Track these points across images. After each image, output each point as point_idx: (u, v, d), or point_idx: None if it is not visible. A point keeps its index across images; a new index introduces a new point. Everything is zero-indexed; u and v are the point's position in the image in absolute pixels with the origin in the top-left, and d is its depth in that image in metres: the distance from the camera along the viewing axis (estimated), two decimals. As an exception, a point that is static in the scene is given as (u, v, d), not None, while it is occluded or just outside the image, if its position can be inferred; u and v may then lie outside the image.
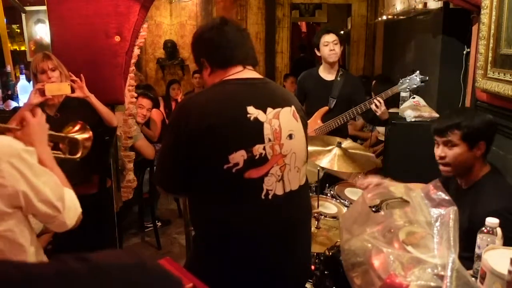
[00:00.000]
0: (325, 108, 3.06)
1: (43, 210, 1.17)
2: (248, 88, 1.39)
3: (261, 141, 1.31)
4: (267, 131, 1.33)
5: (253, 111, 1.32)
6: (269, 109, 1.35)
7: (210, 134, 1.28)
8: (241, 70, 1.41)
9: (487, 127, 1.68)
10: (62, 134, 1.66)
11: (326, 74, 3.12)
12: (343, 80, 3.07)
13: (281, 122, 1.36)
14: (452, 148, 1.69)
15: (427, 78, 2.82)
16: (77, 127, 1.75)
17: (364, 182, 2.05)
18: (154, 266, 0.67)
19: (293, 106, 1.43)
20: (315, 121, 3.06)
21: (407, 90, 2.87)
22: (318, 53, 3.11)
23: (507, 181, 1.73)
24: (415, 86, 2.82)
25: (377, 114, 2.82)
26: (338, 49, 3.01)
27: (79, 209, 1.28)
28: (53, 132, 1.48)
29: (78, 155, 1.69)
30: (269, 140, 1.33)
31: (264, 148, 1.31)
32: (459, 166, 1.70)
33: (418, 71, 2.83)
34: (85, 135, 1.74)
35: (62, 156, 1.62)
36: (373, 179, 2.01)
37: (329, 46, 3.00)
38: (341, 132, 2.97)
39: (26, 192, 1.12)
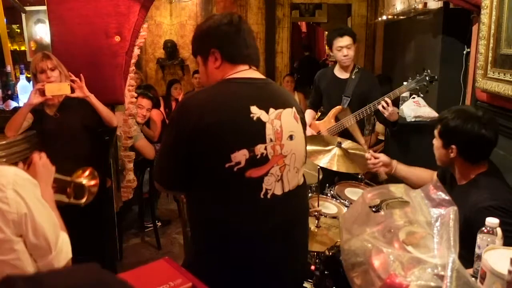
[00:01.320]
0: (339, 108, 2.98)
1: (34, 243, 1.17)
2: (251, 88, 1.39)
3: (263, 141, 1.32)
4: (269, 131, 1.33)
5: (256, 111, 1.32)
6: (271, 110, 1.35)
7: (212, 132, 1.28)
8: (247, 69, 1.42)
9: (460, 134, 1.65)
10: (68, 179, 1.65)
11: (341, 72, 3.04)
12: (358, 78, 2.96)
13: (283, 123, 1.37)
14: (435, 141, 1.78)
15: (436, 77, 2.69)
16: (86, 173, 1.75)
17: (374, 156, 2.17)
18: (117, 284, 0.62)
19: (294, 108, 1.44)
20: (328, 121, 3.01)
21: (416, 89, 2.72)
22: (330, 53, 3.05)
23: (504, 181, 1.70)
24: (424, 84, 2.68)
25: (385, 115, 2.71)
26: (352, 52, 2.93)
27: (69, 254, 1.27)
28: (59, 176, 1.50)
29: (83, 200, 1.69)
30: (271, 140, 1.33)
31: (265, 148, 1.32)
32: (439, 158, 1.79)
33: (428, 70, 2.70)
34: (92, 182, 1.74)
35: (66, 200, 1.61)
36: (383, 157, 2.14)
37: (342, 51, 2.91)
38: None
39: (27, 220, 1.13)
